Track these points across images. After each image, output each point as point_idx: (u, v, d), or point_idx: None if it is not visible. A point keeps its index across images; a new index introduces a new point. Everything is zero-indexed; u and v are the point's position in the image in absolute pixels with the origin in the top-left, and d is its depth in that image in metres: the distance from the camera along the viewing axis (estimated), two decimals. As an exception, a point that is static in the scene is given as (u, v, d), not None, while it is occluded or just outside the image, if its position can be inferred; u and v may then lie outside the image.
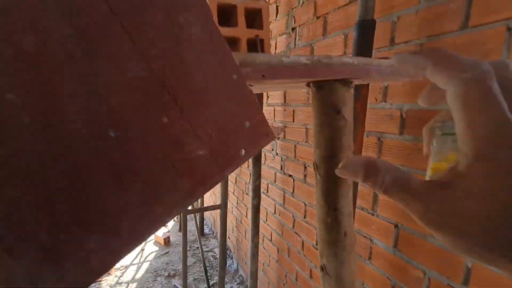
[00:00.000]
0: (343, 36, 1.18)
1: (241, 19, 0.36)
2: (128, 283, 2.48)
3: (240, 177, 2.48)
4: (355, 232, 0.79)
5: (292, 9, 1.53)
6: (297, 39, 1.51)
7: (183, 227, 1.83)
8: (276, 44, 1.72)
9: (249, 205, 2.03)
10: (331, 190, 0.46)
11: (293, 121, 1.59)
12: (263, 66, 0.35)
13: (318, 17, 1.33)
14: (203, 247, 3.00)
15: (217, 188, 2.63)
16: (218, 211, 2.86)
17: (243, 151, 0.32)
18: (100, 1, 0.22)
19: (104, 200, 0.25)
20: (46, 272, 0.23)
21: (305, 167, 1.53)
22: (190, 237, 3.23)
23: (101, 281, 2.50)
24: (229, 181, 2.74)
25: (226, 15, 0.38)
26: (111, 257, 0.26)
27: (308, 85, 0.48)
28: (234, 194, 2.66)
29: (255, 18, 0.39)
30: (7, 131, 0.20)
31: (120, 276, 2.57)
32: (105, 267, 0.26)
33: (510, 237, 0.14)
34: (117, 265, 2.73)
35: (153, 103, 0.26)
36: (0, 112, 0.20)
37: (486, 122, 0.15)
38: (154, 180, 0.27)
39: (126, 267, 2.72)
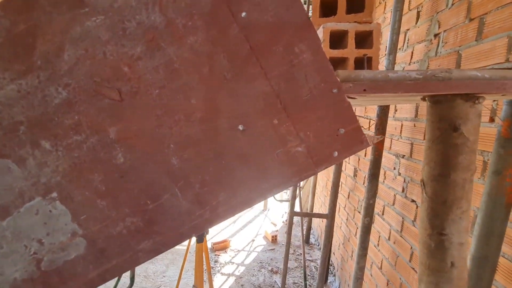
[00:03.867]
0: (506, 40, 0.94)
1: (350, 41, 0.41)
2: (238, 265, 2.87)
3: (353, 193, 2.36)
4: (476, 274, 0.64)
5: (437, 12, 1.35)
6: (440, 46, 1.31)
7: (288, 228, 1.94)
8: (412, 53, 1.55)
9: (360, 224, 1.90)
10: (438, 212, 0.43)
11: (423, 139, 1.38)
12: (366, 81, 0.39)
13: (471, 19, 1.12)
14: (306, 255, 3.03)
15: (328, 198, 2.61)
16: (325, 223, 2.82)
17: (336, 153, 0.37)
18: (244, 42, 0.35)
19: (232, 172, 0.37)
20: (194, 208, 0.37)
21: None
22: (295, 242, 3.35)
23: (219, 255, 3.02)
24: (341, 195, 2.65)
25: (341, 38, 0.44)
26: (230, 210, 0.38)
27: (424, 99, 0.46)
28: (345, 210, 2.55)
29: (367, 39, 0.42)
30: (199, 134, 0.36)
31: (233, 257, 3.01)
32: (225, 216, 0.38)
33: None
34: (232, 247, 3.20)
35: (269, 109, 0.36)
36: (195, 121, 0.36)
37: None
38: (264, 164, 0.37)
39: (239, 251, 3.15)
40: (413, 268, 1.44)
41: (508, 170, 0.76)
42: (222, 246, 3.14)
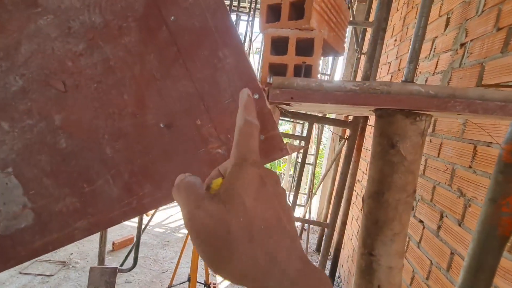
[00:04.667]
0: (533, 53, 0.84)
1: (290, 48, 0.41)
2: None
3: (366, 205, 2.25)
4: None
5: (466, 20, 1.23)
6: (464, 57, 1.20)
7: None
8: (437, 62, 1.44)
9: (366, 238, 1.82)
10: (370, 231, 0.41)
11: (438, 156, 1.28)
12: (299, 88, 0.39)
13: (499, 29, 1.01)
14: (315, 263, 2.96)
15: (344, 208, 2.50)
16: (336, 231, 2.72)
17: (255, 159, 0.37)
18: (173, 44, 0.36)
19: (157, 166, 0.39)
20: (123, 196, 0.40)
21: (442, 217, 1.20)
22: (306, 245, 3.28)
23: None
24: (355, 206, 2.54)
25: (283, 45, 0.43)
26: (155, 202, 0.40)
27: (374, 110, 0.44)
28: (357, 222, 2.44)
29: (310, 47, 0.41)
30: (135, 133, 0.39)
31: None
32: (150, 207, 0.40)
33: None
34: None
35: (193, 109, 0.38)
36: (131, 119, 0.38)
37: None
38: (186, 161, 0.39)
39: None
40: (411, 293, 1.34)
41: (506, 198, 0.69)
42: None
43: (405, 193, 0.39)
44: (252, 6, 3.75)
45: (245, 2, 4.19)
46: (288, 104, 0.43)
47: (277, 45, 0.45)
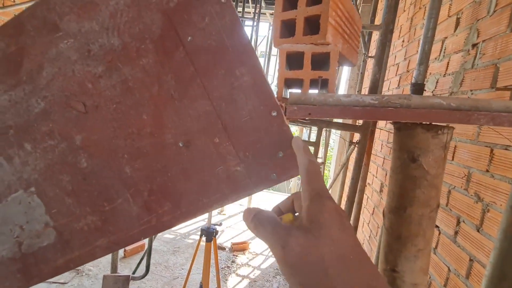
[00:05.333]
0: (550, 54, 0.81)
1: (306, 63, 0.41)
2: (254, 268, 2.88)
3: (378, 209, 2.21)
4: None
5: (477, 20, 1.21)
6: (477, 57, 1.18)
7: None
8: (448, 63, 1.41)
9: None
10: (393, 247, 0.40)
11: (452, 159, 1.25)
12: (316, 104, 0.38)
13: (513, 29, 0.98)
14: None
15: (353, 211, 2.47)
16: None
17: (274, 175, 0.37)
18: (190, 64, 0.37)
19: (175, 185, 0.40)
20: (143, 214, 0.41)
21: (459, 222, 1.17)
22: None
23: (237, 256, 3.07)
24: (365, 210, 2.50)
25: (298, 59, 0.43)
26: (174, 220, 0.41)
27: (392, 122, 0.44)
28: (368, 226, 2.40)
29: (327, 61, 0.41)
30: (156, 153, 0.39)
31: (251, 260, 3.03)
32: (170, 225, 0.41)
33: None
34: (251, 250, 3.23)
35: (211, 128, 0.38)
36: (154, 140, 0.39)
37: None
38: (204, 180, 0.39)
39: (257, 254, 3.16)
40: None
41: (529, 206, 0.67)
42: (241, 247, 3.19)
43: (429, 208, 0.38)
44: (256, 11, 3.78)
45: (249, 8, 4.22)
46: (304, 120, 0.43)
47: (292, 59, 0.45)
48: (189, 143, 0.39)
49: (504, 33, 1.03)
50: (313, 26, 0.41)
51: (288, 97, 0.41)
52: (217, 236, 1.89)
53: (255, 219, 0.27)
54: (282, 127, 0.36)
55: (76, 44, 0.39)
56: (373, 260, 1.94)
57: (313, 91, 0.49)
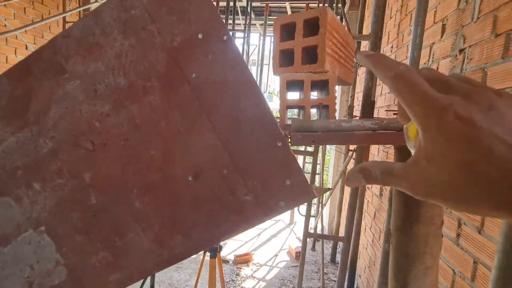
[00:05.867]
0: (534, 59, 0.85)
1: (306, 90, 0.42)
2: (259, 280, 2.85)
3: (379, 213, 2.22)
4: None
5: (462, 27, 1.25)
6: (465, 62, 1.22)
7: (302, 250, 1.90)
8: (437, 68, 1.45)
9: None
10: (401, 265, 0.41)
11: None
12: (319, 130, 0.40)
13: (498, 35, 1.02)
14: (331, 275, 2.90)
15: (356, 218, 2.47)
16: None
17: (283, 203, 0.38)
18: (195, 99, 0.38)
19: (186, 217, 0.40)
20: (155, 248, 0.41)
21: (460, 224, 1.18)
22: (320, 259, 3.22)
23: (241, 268, 3.04)
24: (367, 214, 2.51)
25: (298, 84, 0.45)
26: (186, 252, 0.41)
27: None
28: (370, 230, 2.41)
29: (324, 84, 0.43)
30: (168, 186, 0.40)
31: (255, 271, 3.00)
32: (182, 257, 0.41)
33: (473, 189, 0.16)
34: (255, 261, 3.20)
35: (218, 160, 0.39)
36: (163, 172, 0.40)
37: (416, 103, 0.18)
38: (214, 210, 0.40)
39: (261, 265, 3.13)
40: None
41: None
42: (244, 259, 3.15)
43: (434, 226, 0.39)
44: (247, 23, 3.85)
45: (239, 19, 4.30)
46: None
47: (291, 84, 0.46)
48: (198, 175, 0.39)
49: (489, 39, 1.07)
50: (310, 54, 0.43)
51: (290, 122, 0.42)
52: (220, 251, 1.88)
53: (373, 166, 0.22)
54: (288, 156, 0.37)
55: (82, 84, 0.40)
56: (377, 267, 1.94)
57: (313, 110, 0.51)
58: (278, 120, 0.43)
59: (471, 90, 0.18)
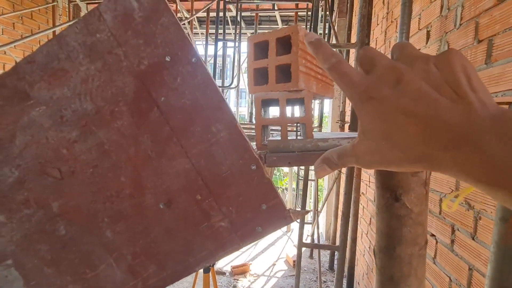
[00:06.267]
0: (516, 64, 0.86)
1: (282, 109, 0.41)
2: (258, 290, 2.79)
3: (375, 219, 2.21)
4: None
5: (446, 33, 1.27)
6: (450, 68, 1.23)
7: (297, 259, 1.87)
8: (424, 74, 1.46)
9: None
10: (386, 286, 0.39)
11: (440, 168, 1.27)
12: (296, 150, 0.39)
13: (480, 41, 1.04)
14: (329, 283, 2.86)
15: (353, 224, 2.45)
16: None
17: (259, 228, 0.37)
18: (165, 124, 0.37)
19: (159, 246, 0.38)
20: (128, 279, 0.39)
21: (453, 230, 1.17)
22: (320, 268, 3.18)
23: (238, 280, 2.98)
24: (362, 220, 2.50)
25: (274, 102, 0.44)
26: (160, 282, 0.39)
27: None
28: (367, 236, 2.39)
29: (301, 101, 0.42)
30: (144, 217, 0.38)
31: (253, 282, 2.94)
32: (158, 287, 0.39)
33: (393, 151, 0.20)
34: (252, 272, 3.14)
35: (191, 185, 0.37)
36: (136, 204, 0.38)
37: (346, 89, 0.22)
38: (189, 238, 0.38)
39: (258, 276, 3.08)
40: (435, 313, 1.29)
41: (517, 217, 0.67)
42: (241, 270, 3.10)
43: (417, 246, 0.38)
44: (237, 32, 3.89)
45: (229, 29, 4.34)
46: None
47: (268, 102, 0.45)
48: (171, 202, 0.38)
49: (472, 45, 1.09)
50: (285, 72, 0.42)
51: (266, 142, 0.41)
52: (214, 265, 1.84)
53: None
54: (263, 179, 0.36)
55: (48, 111, 0.38)
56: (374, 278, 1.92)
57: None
58: (255, 139, 0.42)
59: (384, 69, 0.21)
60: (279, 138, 0.43)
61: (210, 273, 1.58)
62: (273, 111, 0.53)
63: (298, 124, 0.45)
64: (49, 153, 0.39)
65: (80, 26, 0.37)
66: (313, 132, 0.43)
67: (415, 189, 0.38)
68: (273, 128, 0.78)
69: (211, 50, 4.21)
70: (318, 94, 0.47)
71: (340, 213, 3.27)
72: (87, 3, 3.86)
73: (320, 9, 2.23)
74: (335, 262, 3.38)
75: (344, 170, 1.83)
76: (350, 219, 1.92)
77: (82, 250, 0.40)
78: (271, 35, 0.40)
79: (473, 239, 1.05)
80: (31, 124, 0.39)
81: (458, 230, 1.15)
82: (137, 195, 0.38)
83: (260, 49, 0.42)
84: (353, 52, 2.65)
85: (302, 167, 4.32)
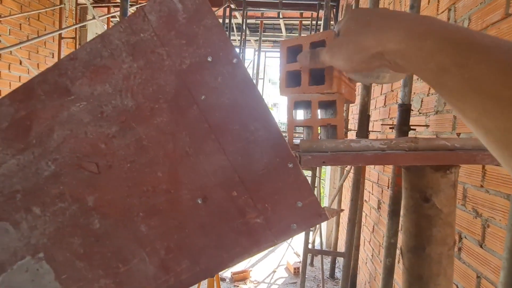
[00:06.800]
0: None
1: (314, 111, 0.43)
2: (258, 297, 2.76)
3: (378, 227, 2.21)
4: None
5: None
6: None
7: (302, 266, 1.86)
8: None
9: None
10: (414, 286, 0.40)
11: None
12: (328, 151, 0.40)
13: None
14: (331, 290, 2.84)
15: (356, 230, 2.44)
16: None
17: (294, 226, 0.38)
18: (204, 121, 0.38)
19: (193, 241, 0.39)
20: (160, 274, 0.39)
21: (461, 238, 1.18)
22: (319, 275, 3.15)
23: (238, 286, 2.95)
24: (365, 227, 2.49)
25: (304, 103, 0.45)
26: (193, 278, 0.39)
27: (399, 161, 0.45)
28: (370, 244, 2.38)
29: (331, 103, 0.44)
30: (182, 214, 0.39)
31: (253, 289, 2.92)
32: (189, 284, 0.39)
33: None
34: (252, 278, 3.11)
35: (228, 182, 0.38)
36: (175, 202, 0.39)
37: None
38: (223, 234, 0.39)
39: (259, 283, 3.05)
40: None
41: (530, 224, 0.69)
42: (241, 277, 3.07)
43: (447, 246, 0.39)
44: (242, 39, 3.94)
45: (234, 35, 4.40)
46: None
47: (297, 104, 0.47)
48: (206, 198, 0.39)
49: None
50: (317, 75, 0.43)
51: (298, 142, 0.42)
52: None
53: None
54: (299, 177, 0.37)
55: (88, 106, 0.39)
56: (378, 282, 1.90)
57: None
58: (286, 139, 0.43)
59: (341, 29, 0.33)
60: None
61: (214, 277, 1.57)
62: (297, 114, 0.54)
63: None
64: (87, 148, 0.40)
65: (125, 25, 0.38)
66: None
67: (445, 190, 0.39)
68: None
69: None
70: (346, 98, 0.48)
71: (341, 220, 3.26)
72: (94, 6, 3.91)
73: (328, 19, 2.28)
74: (336, 270, 3.36)
75: (350, 175, 1.84)
76: (348, 229, 1.92)
77: (115, 244, 0.40)
78: (305, 39, 0.41)
79: (481, 246, 1.06)
80: (70, 119, 0.40)
81: (465, 237, 1.16)
82: (173, 190, 0.39)
83: (292, 52, 0.44)
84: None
85: (307, 174, 4.32)
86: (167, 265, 0.40)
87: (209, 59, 0.37)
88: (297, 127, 0.50)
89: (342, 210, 0.47)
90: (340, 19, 0.31)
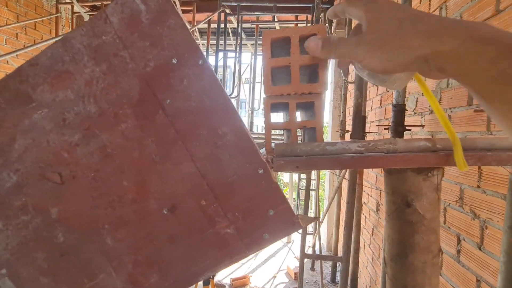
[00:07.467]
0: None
1: (291, 113, 0.41)
2: (258, 303, 2.71)
3: (377, 229, 2.17)
4: None
5: (445, 43, 1.29)
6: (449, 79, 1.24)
7: (299, 271, 1.82)
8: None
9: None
10: (399, 297, 0.38)
11: (443, 176, 1.26)
12: (303, 154, 0.38)
13: (479, 50, 1.05)
14: (332, 295, 2.79)
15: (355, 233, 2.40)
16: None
17: (267, 235, 0.35)
18: (170, 127, 0.36)
19: (162, 254, 0.37)
20: (127, 287, 0.37)
21: (459, 240, 1.15)
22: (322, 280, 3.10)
23: (238, 292, 2.90)
24: (365, 230, 2.46)
25: (283, 105, 0.43)
26: (162, 294, 0.37)
27: (381, 164, 0.43)
28: (369, 247, 2.34)
29: (310, 105, 0.42)
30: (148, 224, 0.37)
31: (253, 295, 2.87)
32: (158, 299, 0.37)
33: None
34: (252, 284, 3.07)
35: (196, 190, 0.36)
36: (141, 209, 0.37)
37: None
38: (193, 245, 0.36)
39: (259, 288, 3.00)
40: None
41: (526, 225, 0.66)
42: (241, 283, 3.02)
43: (431, 254, 0.36)
44: (238, 43, 3.94)
45: (231, 40, 4.41)
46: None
47: (275, 106, 0.45)
48: (175, 207, 0.36)
49: (471, 54, 1.10)
50: (306, 72, 0.42)
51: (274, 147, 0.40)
52: (213, 277, 1.79)
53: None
54: (270, 184, 0.35)
55: (50, 113, 0.38)
56: (379, 286, 1.87)
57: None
58: (264, 141, 0.41)
59: (371, 25, 0.30)
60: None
61: (210, 285, 1.54)
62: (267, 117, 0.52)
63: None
64: (49, 157, 0.38)
65: (86, 28, 0.36)
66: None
67: (427, 194, 0.36)
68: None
69: (212, 61, 4.28)
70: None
71: (341, 223, 3.22)
72: (90, 14, 3.93)
73: (320, 21, 2.28)
74: (337, 274, 3.31)
75: (346, 177, 1.81)
76: (353, 229, 1.89)
77: (80, 258, 0.38)
78: (293, 32, 0.39)
79: (479, 249, 1.03)
80: (32, 127, 0.38)
81: (464, 240, 1.13)
82: (139, 200, 0.37)
83: (277, 46, 0.42)
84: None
85: (303, 177, 4.29)
86: (135, 279, 0.38)
87: (174, 61, 0.35)
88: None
89: (316, 218, 0.45)
90: (356, 12, 0.31)
